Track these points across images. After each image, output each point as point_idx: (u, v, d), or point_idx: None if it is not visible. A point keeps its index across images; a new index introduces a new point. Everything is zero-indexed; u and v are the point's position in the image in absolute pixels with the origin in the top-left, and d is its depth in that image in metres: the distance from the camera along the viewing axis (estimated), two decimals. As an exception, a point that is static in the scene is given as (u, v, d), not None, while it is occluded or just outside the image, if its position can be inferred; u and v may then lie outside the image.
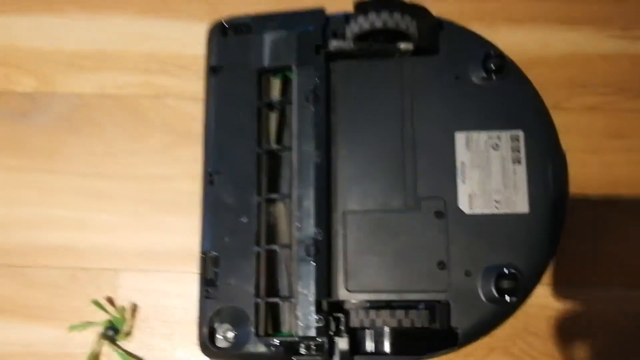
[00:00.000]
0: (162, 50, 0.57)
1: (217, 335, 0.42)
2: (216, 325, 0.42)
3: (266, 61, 0.43)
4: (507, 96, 0.41)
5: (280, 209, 0.43)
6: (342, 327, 0.39)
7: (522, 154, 0.41)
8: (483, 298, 0.39)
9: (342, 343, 0.39)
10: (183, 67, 0.56)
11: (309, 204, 0.40)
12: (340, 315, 0.40)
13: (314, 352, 0.39)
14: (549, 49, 0.57)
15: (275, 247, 0.42)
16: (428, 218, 0.40)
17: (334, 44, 0.42)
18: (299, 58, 0.42)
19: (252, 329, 0.40)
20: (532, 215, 0.40)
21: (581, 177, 0.51)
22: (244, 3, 0.57)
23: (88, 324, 0.51)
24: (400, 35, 0.41)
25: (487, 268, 0.39)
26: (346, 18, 0.43)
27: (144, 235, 0.54)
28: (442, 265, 0.40)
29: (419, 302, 0.40)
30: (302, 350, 0.40)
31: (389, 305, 0.40)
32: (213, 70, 0.45)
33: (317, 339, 0.39)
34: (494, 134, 0.41)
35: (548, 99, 0.43)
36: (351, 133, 0.42)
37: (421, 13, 0.42)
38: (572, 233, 0.51)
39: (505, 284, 0.38)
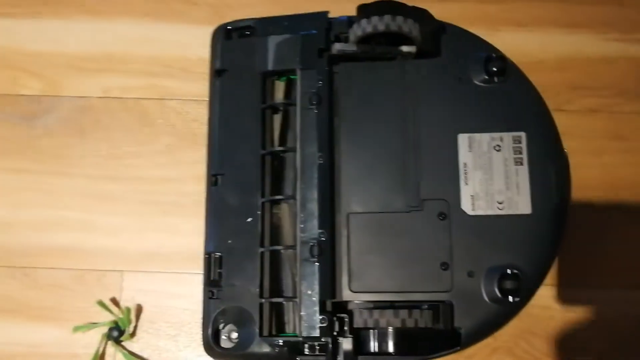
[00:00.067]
0: (166, 53, 0.57)
1: (222, 336, 0.42)
2: (220, 325, 0.42)
3: (270, 64, 0.44)
4: (509, 98, 0.42)
5: (284, 210, 0.43)
6: (346, 328, 0.40)
7: (525, 156, 0.41)
8: (486, 298, 0.39)
9: (346, 343, 0.39)
10: (187, 70, 0.57)
11: (313, 205, 0.41)
12: (344, 315, 0.40)
13: (317, 353, 0.40)
14: (550, 51, 0.57)
15: (279, 247, 0.42)
16: (431, 219, 0.41)
17: (337, 47, 0.42)
18: (302, 61, 0.43)
19: (256, 330, 0.41)
20: (534, 216, 0.40)
21: (583, 179, 0.51)
22: (247, 7, 0.58)
23: (92, 325, 0.52)
24: (403, 38, 0.41)
25: (490, 269, 0.39)
26: (349, 21, 0.43)
27: (149, 236, 0.54)
28: (445, 266, 0.40)
29: (422, 302, 0.40)
30: (306, 351, 0.40)
31: (392, 305, 0.40)
32: (217, 73, 0.45)
33: (321, 339, 0.39)
34: (497, 135, 0.41)
35: (549, 102, 0.43)
36: (354, 135, 0.42)
37: (423, 16, 0.42)
38: (575, 234, 0.51)
39: (508, 284, 0.38)
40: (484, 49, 0.43)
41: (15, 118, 0.57)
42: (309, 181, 0.41)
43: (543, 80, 0.45)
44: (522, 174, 0.41)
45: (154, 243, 0.54)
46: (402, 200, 0.41)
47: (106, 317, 0.52)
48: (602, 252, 0.52)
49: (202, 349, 0.43)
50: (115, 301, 0.53)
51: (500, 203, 0.40)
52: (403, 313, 0.38)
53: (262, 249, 0.42)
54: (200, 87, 0.56)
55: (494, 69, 0.41)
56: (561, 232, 0.40)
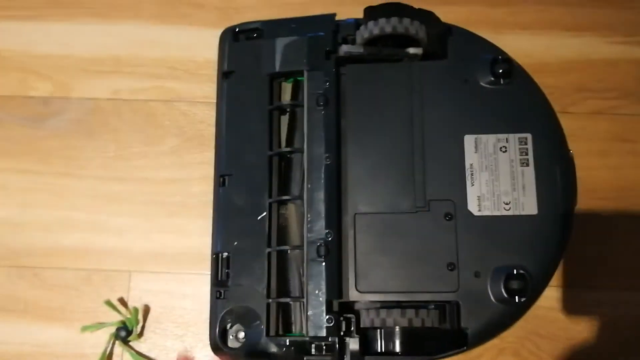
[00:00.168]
0: (173, 55, 0.58)
1: (229, 336, 0.42)
2: (228, 325, 0.42)
3: (277, 66, 0.44)
4: (515, 99, 0.42)
5: (291, 210, 0.44)
6: (353, 328, 0.40)
7: (530, 157, 0.41)
8: (492, 299, 0.39)
9: (353, 343, 0.39)
10: (194, 72, 0.57)
11: (320, 205, 0.41)
12: (351, 315, 0.40)
13: (324, 353, 0.40)
14: (555, 54, 0.57)
15: (286, 248, 0.42)
16: (437, 220, 0.41)
17: (344, 49, 0.42)
18: (309, 63, 0.43)
19: (263, 329, 0.41)
20: (540, 216, 0.40)
21: (588, 180, 0.52)
22: (254, 9, 0.58)
23: (100, 325, 0.52)
24: (410, 40, 0.42)
25: (496, 269, 0.40)
26: (356, 23, 0.44)
27: (156, 237, 0.54)
28: (451, 266, 0.40)
29: (428, 302, 0.40)
30: (313, 351, 0.40)
31: (399, 305, 0.40)
32: (225, 75, 0.45)
33: (328, 339, 0.39)
34: (502, 136, 0.41)
35: (554, 104, 0.43)
36: (361, 136, 0.43)
37: (430, 18, 0.43)
38: (580, 236, 0.51)
39: (515, 284, 0.39)
40: (490, 51, 0.43)
41: (24, 119, 0.57)
42: (316, 182, 0.41)
43: (548, 83, 0.45)
44: (528, 175, 0.41)
45: (161, 243, 0.54)
46: (409, 200, 0.41)
47: (114, 317, 0.52)
48: (608, 254, 0.52)
49: (209, 348, 0.43)
50: (122, 301, 0.53)
51: (506, 204, 0.40)
52: (410, 312, 0.39)
53: (269, 249, 0.42)
54: (207, 88, 0.56)
55: (500, 70, 0.42)
56: (567, 232, 0.41)
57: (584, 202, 0.45)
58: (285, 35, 0.44)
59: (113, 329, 0.52)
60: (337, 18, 0.44)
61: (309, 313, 0.39)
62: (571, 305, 0.51)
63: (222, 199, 0.43)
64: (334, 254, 0.40)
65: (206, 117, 0.56)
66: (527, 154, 0.41)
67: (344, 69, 0.43)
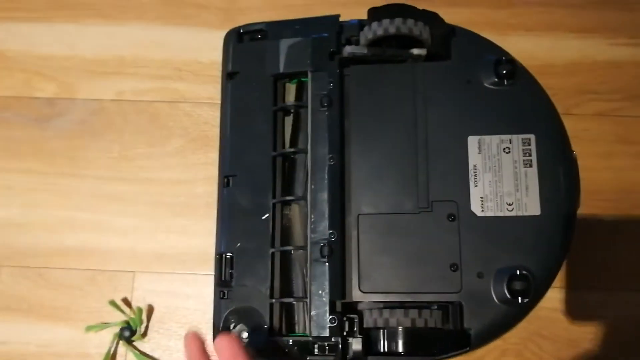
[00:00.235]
0: (178, 56, 0.58)
1: (232, 336, 0.42)
2: (231, 325, 0.42)
3: (281, 66, 0.44)
4: (518, 100, 0.42)
5: (294, 211, 0.44)
6: (356, 328, 0.40)
7: (534, 157, 0.41)
8: (495, 299, 0.39)
9: (356, 343, 0.39)
10: (198, 73, 0.57)
11: (323, 206, 0.41)
12: (354, 316, 0.40)
13: (327, 353, 0.40)
14: (559, 56, 0.57)
15: (289, 248, 0.42)
16: (441, 220, 0.41)
17: (348, 50, 0.42)
18: (313, 63, 0.43)
19: (267, 329, 0.41)
20: (543, 217, 0.40)
21: (591, 182, 0.52)
22: (258, 11, 0.59)
23: (104, 325, 0.52)
24: (413, 41, 0.42)
25: (499, 270, 0.39)
26: (360, 24, 0.44)
27: (160, 237, 0.54)
28: (454, 267, 0.40)
29: (431, 303, 0.40)
30: (316, 351, 0.40)
31: (402, 306, 0.40)
32: (229, 76, 0.45)
33: (331, 339, 0.39)
34: (506, 137, 0.41)
35: (558, 105, 0.43)
36: (365, 137, 0.43)
37: (434, 19, 0.43)
38: (584, 237, 0.51)
39: (517, 285, 0.38)
40: (493, 52, 0.43)
41: (29, 120, 0.57)
42: (319, 182, 0.41)
43: (552, 84, 0.45)
44: (531, 176, 0.41)
45: (165, 244, 0.54)
46: (412, 201, 0.41)
47: (118, 317, 0.52)
48: (611, 256, 0.52)
49: (212, 348, 0.43)
50: (126, 301, 0.53)
51: (509, 204, 0.40)
52: (413, 313, 0.39)
53: (272, 250, 0.42)
54: (211, 89, 0.57)
55: (504, 71, 0.42)
56: (570, 233, 0.41)
57: (587, 203, 0.45)
58: (290, 36, 0.44)
59: (117, 329, 0.52)
60: (341, 19, 0.44)
61: (312, 313, 0.39)
62: (574, 307, 0.51)
63: (226, 200, 0.43)
64: (337, 254, 0.40)
65: (210, 118, 0.56)
66: (530, 155, 0.41)
67: (348, 70, 0.44)
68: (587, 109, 0.55)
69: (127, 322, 0.52)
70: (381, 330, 0.40)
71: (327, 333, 0.39)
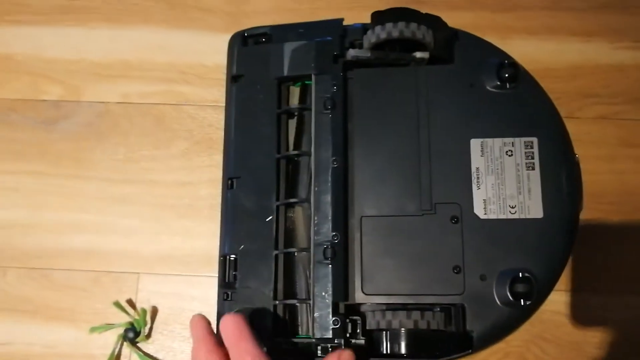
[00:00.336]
0: (183, 59, 0.58)
1: (236, 337, 0.42)
2: (235, 326, 0.42)
3: (285, 70, 0.44)
4: (521, 104, 0.42)
5: (298, 213, 0.44)
6: (359, 330, 0.40)
7: (536, 160, 0.41)
8: (498, 302, 0.39)
9: (359, 345, 0.40)
10: (203, 76, 0.58)
11: (327, 208, 0.41)
12: (357, 317, 0.40)
13: (330, 354, 0.40)
14: (561, 59, 0.57)
15: (293, 250, 0.43)
16: (444, 223, 0.41)
17: (352, 53, 0.43)
18: (317, 67, 0.43)
19: (270, 331, 0.41)
20: (546, 220, 0.40)
21: (594, 185, 0.52)
22: (263, 14, 0.59)
23: (109, 326, 0.52)
24: (416, 45, 0.42)
25: (502, 272, 0.40)
26: (363, 28, 0.44)
27: (165, 239, 0.55)
28: (457, 269, 0.40)
29: (434, 305, 0.40)
30: (319, 352, 0.40)
31: (405, 307, 0.40)
32: (234, 79, 0.46)
33: (334, 340, 0.39)
34: (509, 140, 0.42)
35: (561, 109, 0.43)
36: (368, 139, 0.43)
37: (436, 23, 0.43)
38: (586, 240, 0.51)
39: (520, 287, 0.38)
40: (496, 55, 0.43)
41: (35, 122, 0.58)
42: (323, 185, 0.42)
43: (555, 88, 0.45)
44: (534, 179, 0.41)
45: (169, 246, 0.54)
46: (415, 203, 0.41)
47: (122, 319, 0.52)
48: (613, 258, 0.52)
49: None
50: (131, 303, 0.54)
51: (512, 207, 0.41)
52: (415, 314, 0.39)
53: (276, 252, 0.42)
54: (216, 93, 0.57)
55: (506, 75, 0.42)
56: (572, 236, 0.41)
57: (590, 206, 0.45)
58: (294, 39, 0.44)
59: (121, 330, 0.52)
60: (344, 23, 0.45)
61: (315, 315, 0.40)
62: (576, 310, 0.51)
63: (230, 202, 0.44)
64: (340, 256, 0.40)
65: (215, 121, 0.56)
66: (533, 158, 0.41)
67: (352, 73, 0.44)
68: (589, 112, 0.56)
69: (132, 324, 0.52)
70: (384, 332, 0.40)
71: (330, 335, 0.39)
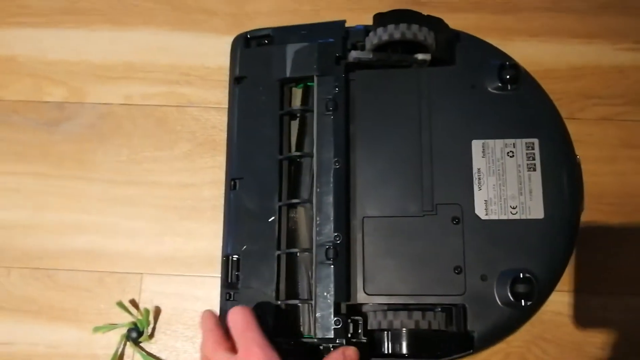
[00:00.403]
0: (186, 61, 0.59)
1: (238, 337, 0.42)
2: (237, 326, 0.42)
3: (288, 71, 0.44)
4: (522, 105, 0.42)
5: (300, 213, 0.44)
6: (360, 330, 0.40)
7: (537, 161, 0.41)
8: (499, 302, 0.39)
9: (360, 345, 0.40)
10: (206, 78, 0.58)
11: (329, 208, 0.41)
12: (359, 318, 0.40)
13: (332, 354, 0.40)
14: (563, 61, 0.58)
15: (295, 250, 0.43)
16: (445, 223, 0.41)
17: (354, 55, 0.43)
18: (319, 68, 0.44)
19: (272, 331, 0.41)
20: (547, 221, 0.40)
21: (595, 186, 0.52)
22: (265, 16, 0.59)
23: (112, 326, 0.53)
24: (418, 46, 0.42)
25: (503, 272, 0.40)
26: (366, 30, 0.44)
27: (168, 240, 0.55)
28: (458, 269, 0.40)
29: (435, 305, 0.40)
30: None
31: (406, 308, 0.40)
32: (237, 80, 0.46)
33: (336, 340, 0.39)
34: (510, 141, 0.42)
35: (562, 110, 0.44)
36: (370, 141, 0.43)
37: (438, 25, 0.43)
38: (587, 240, 0.51)
39: (521, 288, 0.39)
40: (497, 57, 0.44)
41: (38, 124, 0.58)
42: (325, 185, 0.42)
43: (556, 89, 0.46)
44: (535, 180, 0.41)
45: (172, 246, 0.55)
46: (417, 204, 0.41)
47: (125, 319, 0.53)
48: (614, 259, 0.52)
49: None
50: (134, 303, 0.54)
51: (513, 208, 0.41)
52: (417, 314, 0.39)
53: (278, 252, 0.42)
54: (218, 94, 0.57)
55: (508, 76, 0.42)
56: (573, 237, 0.41)
57: (591, 207, 0.45)
58: (296, 41, 0.45)
59: (124, 330, 0.52)
60: (346, 25, 0.45)
61: (317, 315, 0.40)
62: (577, 310, 0.51)
63: (233, 202, 0.44)
64: (342, 256, 0.41)
65: (218, 123, 0.57)
66: (534, 159, 0.41)
67: (354, 75, 0.44)
68: (590, 114, 0.56)
69: (135, 324, 0.52)
70: (385, 332, 0.40)
71: (332, 335, 0.39)
